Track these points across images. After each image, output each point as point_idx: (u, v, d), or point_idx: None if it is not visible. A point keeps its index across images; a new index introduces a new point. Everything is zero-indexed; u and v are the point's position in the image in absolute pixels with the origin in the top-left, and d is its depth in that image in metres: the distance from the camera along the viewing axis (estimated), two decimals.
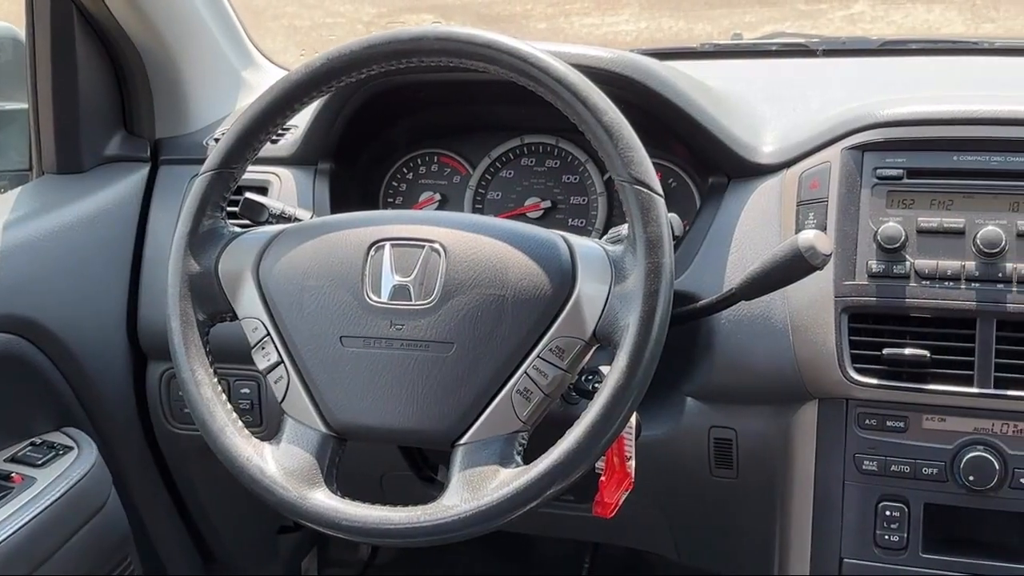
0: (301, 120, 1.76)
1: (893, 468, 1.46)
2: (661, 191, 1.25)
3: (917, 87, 1.79)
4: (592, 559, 2.21)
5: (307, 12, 8.49)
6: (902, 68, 1.95)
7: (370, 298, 1.28)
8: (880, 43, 2.01)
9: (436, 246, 1.29)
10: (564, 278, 1.26)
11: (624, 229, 1.27)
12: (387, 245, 1.30)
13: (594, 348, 1.29)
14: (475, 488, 1.21)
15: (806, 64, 2.03)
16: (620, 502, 1.41)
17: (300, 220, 1.47)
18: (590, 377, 1.44)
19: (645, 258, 1.21)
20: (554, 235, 1.30)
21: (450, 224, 1.31)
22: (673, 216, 1.45)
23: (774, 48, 2.08)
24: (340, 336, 1.29)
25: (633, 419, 1.41)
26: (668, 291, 1.21)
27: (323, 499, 1.24)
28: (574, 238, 1.31)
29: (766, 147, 1.63)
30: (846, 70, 1.97)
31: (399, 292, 1.28)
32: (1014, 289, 1.41)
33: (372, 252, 1.30)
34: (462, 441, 1.25)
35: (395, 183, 1.86)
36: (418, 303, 1.27)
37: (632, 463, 1.42)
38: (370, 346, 1.27)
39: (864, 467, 1.48)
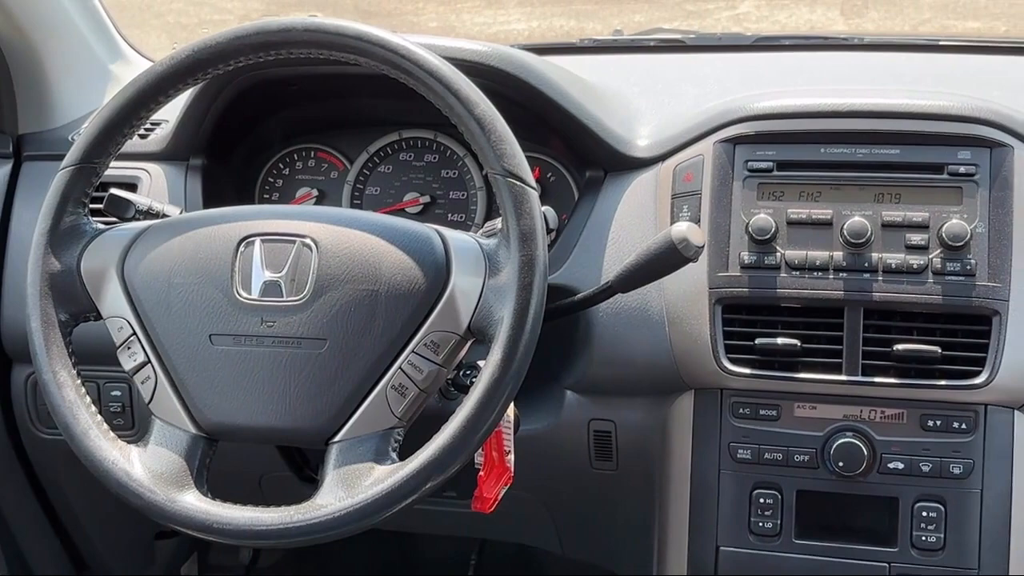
0: (172, 114, 1.72)
1: (766, 456, 1.49)
2: (535, 184, 1.25)
3: (789, 82, 1.82)
4: (479, 555, 2.20)
5: (194, 9, 8.33)
6: (775, 63, 1.99)
7: (240, 295, 1.26)
8: (754, 39, 2.05)
9: (308, 241, 1.27)
10: (438, 272, 1.25)
11: (499, 223, 1.27)
12: (257, 240, 1.28)
13: (470, 342, 1.29)
14: (349, 486, 1.20)
15: (683, 59, 2.06)
16: (499, 497, 1.41)
17: (168, 216, 1.43)
18: (468, 372, 1.44)
19: (518, 251, 1.21)
20: (428, 229, 1.30)
21: (322, 219, 1.29)
22: (548, 209, 1.45)
23: (652, 44, 2.10)
24: (209, 334, 1.26)
25: (512, 413, 1.41)
26: (542, 284, 1.21)
27: (192, 502, 1.22)
28: (448, 232, 1.30)
29: (641, 141, 1.64)
30: (721, 65, 2.00)
31: (270, 288, 1.26)
32: (880, 278, 1.45)
33: (242, 248, 1.28)
34: (336, 439, 1.23)
35: (271, 179, 1.82)
36: (290, 299, 1.25)
37: (511, 457, 1.42)
38: (240, 344, 1.25)
39: (738, 456, 1.50)
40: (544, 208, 1.43)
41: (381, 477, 1.19)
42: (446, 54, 1.34)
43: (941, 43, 2.02)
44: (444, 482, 1.20)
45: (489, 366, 1.19)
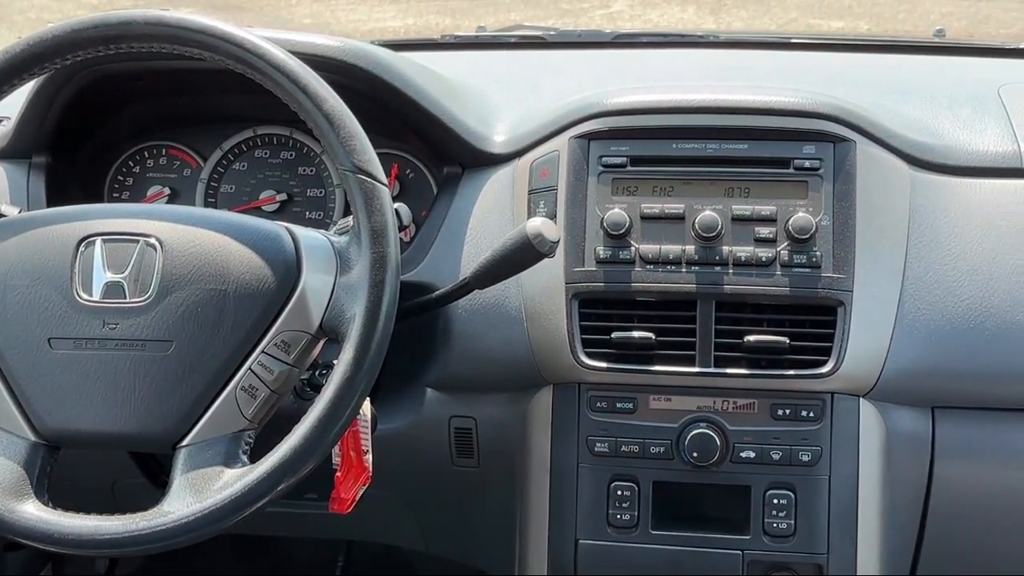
0: (12, 111, 1.65)
1: (623, 448, 1.50)
2: (385, 180, 1.25)
3: (646, 78, 1.85)
4: (346, 557, 2.18)
5: (57, 4, 8.08)
6: (634, 60, 2.01)
7: (80, 297, 1.22)
8: (613, 36, 2.07)
9: (152, 240, 1.24)
10: (289, 271, 1.23)
11: (352, 220, 1.26)
12: (98, 240, 1.24)
13: (322, 341, 1.27)
14: (198, 491, 1.18)
15: (543, 56, 2.07)
16: (357, 497, 1.40)
17: (6, 217, 1.38)
18: (323, 372, 1.43)
19: (370, 248, 1.20)
20: (278, 227, 1.28)
21: (167, 217, 1.27)
22: (401, 205, 1.45)
23: (513, 40, 2.11)
24: (48, 338, 1.22)
25: (368, 412, 1.40)
26: (394, 281, 1.21)
27: (32, 511, 1.18)
28: (299, 229, 1.28)
29: (498, 137, 1.64)
30: (581, 62, 2.01)
31: (112, 290, 1.23)
32: (730, 271, 1.47)
33: (82, 248, 1.24)
34: (184, 443, 1.21)
35: (120, 177, 1.77)
36: (133, 301, 1.22)
37: (369, 457, 1.41)
38: (81, 347, 1.22)
39: (596, 449, 1.51)
40: (397, 204, 1.43)
41: (230, 481, 1.17)
42: (295, 49, 1.32)
43: (793, 41, 2.08)
44: (297, 484, 1.18)
45: (341, 365, 1.18)
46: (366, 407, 1.39)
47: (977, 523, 1.56)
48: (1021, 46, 2.00)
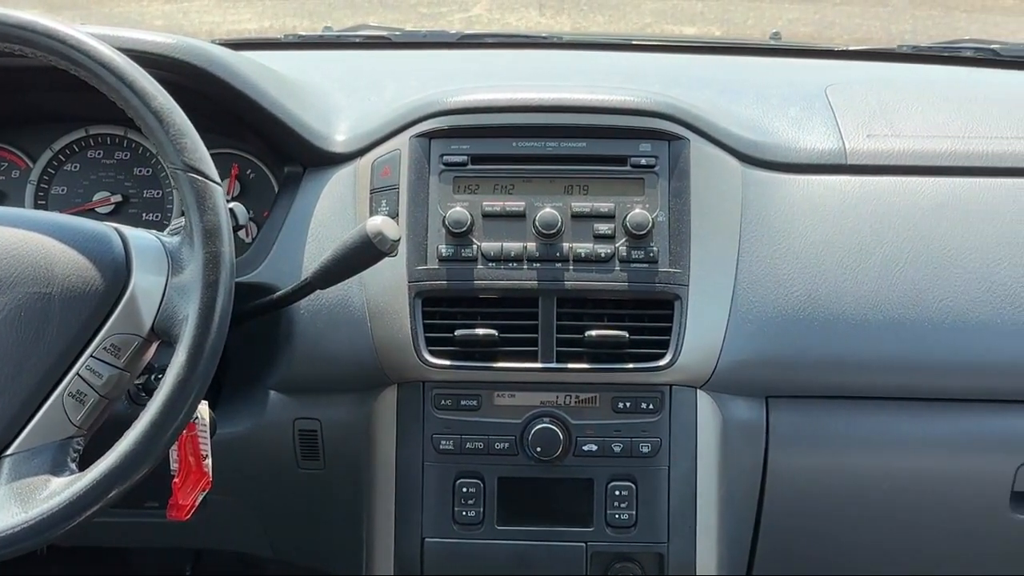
0: None
1: (468, 446, 1.51)
2: (218, 179, 1.23)
3: (489, 78, 1.86)
4: (194, 567, 2.13)
5: None
6: (478, 60, 2.02)
7: None
8: (458, 36, 2.08)
9: None
10: (118, 272, 1.20)
11: (184, 220, 1.24)
12: None
13: (155, 344, 1.24)
14: (24, 501, 1.14)
15: (387, 55, 2.07)
16: (197, 503, 1.36)
17: None
18: (159, 376, 1.39)
19: (202, 248, 1.18)
20: (106, 227, 1.24)
21: None
22: (237, 205, 1.43)
23: (358, 40, 2.10)
24: None
25: (207, 415, 1.37)
26: (228, 281, 1.19)
27: None
28: (129, 230, 1.25)
29: (339, 136, 1.63)
30: (425, 62, 2.02)
31: None
32: (571, 267, 1.49)
33: None
34: (8, 452, 1.16)
35: None
36: None
37: (209, 462, 1.38)
38: None
39: (441, 447, 1.51)
40: (233, 204, 1.41)
41: (57, 489, 1.13)
42: (124, 46, 1.29)
43: (635, 42, 2.12)
44: (132, 491, 1.15)
45: (174, 367, 1.16)
46: (204, 411, 1.37)
47: (811, 509, 1.62)
48: (849, 48, 2.07)
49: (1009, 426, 1.56)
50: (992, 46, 2.01)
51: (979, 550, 1.67)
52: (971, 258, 1.51)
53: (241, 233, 1.63)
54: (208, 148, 1.24)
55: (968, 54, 2.02)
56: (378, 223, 1.34)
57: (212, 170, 1.22)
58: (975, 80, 1.97)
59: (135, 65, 1.22)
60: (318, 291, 1.45)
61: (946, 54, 2.04)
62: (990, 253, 1.52)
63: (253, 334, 1.56)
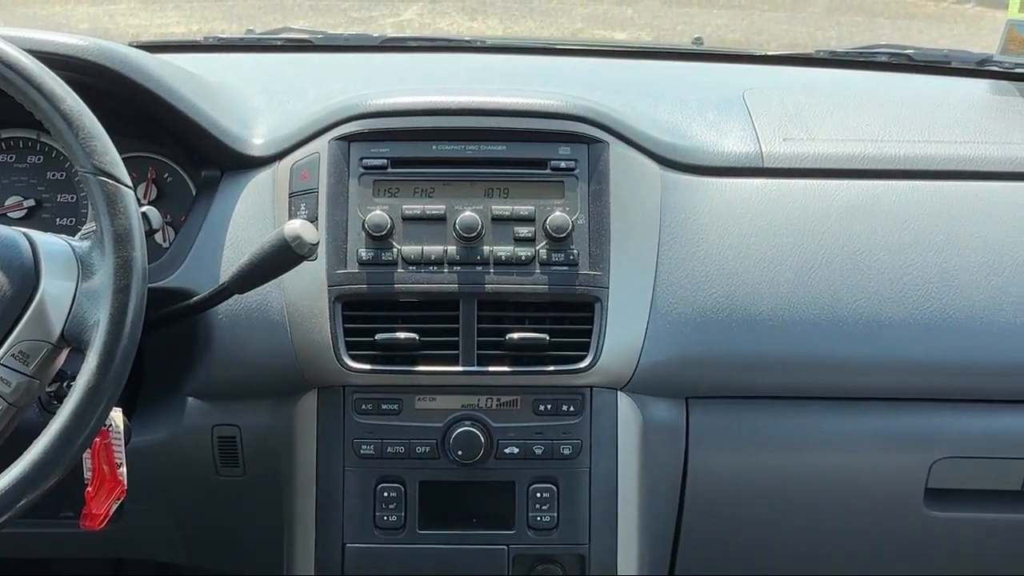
0: None
1: (389, 450, 1.50)
2: (129, 182, 1.22)
3: (410, 81, 1.86)
4: None
5: None
6: (401, 64, 2.02)
7: None
8: (381, 40, 2.07)
9: None
10: (25, 278, 1.18)
11: (94, 224, 1.22)
12: None
13: (66, 351, 1.22)
14: None
15: (309, 59, 2.05)
16: (111, 512, 1.35)
17: None
18: (71, 383, 1.36)
19: (113, 253, 1.17)
20: (13, 232, 1.23)
21: None
22: (150, 209, 1.42)
23: (279, 43, 2.08)
24: None
25: (121, 423, 1.36)
26: (140, 286, 1.18)
27: None
28: (38, 235, 1.23)
29: (258, 139, 1.62)
30: (347, 65, 2.01)
31: None
32: (491, 270, 1.49)
33: None
34: None
35: None
36: None
37: (123, 470, 1.36)
38: None
39: (362, 451, 1.50)
40: (146, 208, 1.39)
41: None
42: (34, 47, 1.28)
43: (558, 47, 2.13)
44: (44, 501, 1.13)
45: (84, 374, 1.15)
46: (118, 418, 1.35)
47: (732, 508, 1.64)
48: (768, 53, 2.11)
49: (923, 424, 1.59)
50: (907, 51, 2.05)
51: (896, 547, 1.69)
52: (884, 258, 1.54)
53: (158, 238, 1.61)
54: (123, 152, 1.22)
55: (883, 59, 2.06)
56: (296, 227, 1.33)
57: (123, 173, 1.20)
58: (890, 85, 2.02)
59: (43, 67, 1.21)
60: (236, 296, 1.43)
61: (862, 59, 2.08)
62: (902, 254, 1.55)
63: (170, 340, 1.54)
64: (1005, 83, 1.96)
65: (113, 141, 1.23)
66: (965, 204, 1.60)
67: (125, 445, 1.36)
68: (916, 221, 1.58)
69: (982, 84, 1.99)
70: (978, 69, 2.02)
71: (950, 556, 1.69)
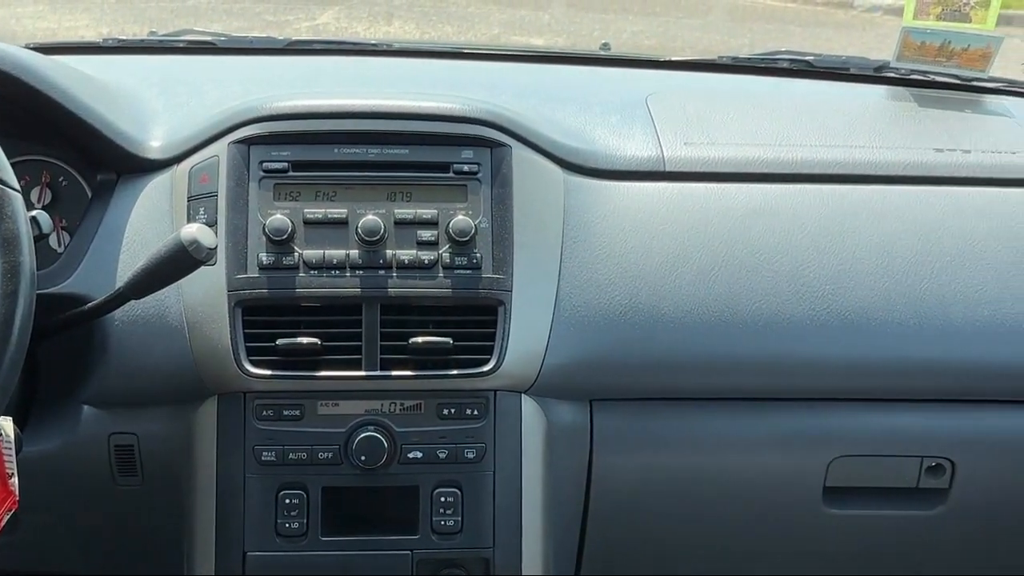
0: None
1: (291, 456, 1.49)
2: (16, 185, 1.19)
3: (314, 84, 1.84)
4: None
5: None
6: (305, 67, 2.00)
7: None
8: (287, 43, 2.05)
9: None
10: None
11: None
12: None
13: None
14: None
15: (212, 61, 2.03)
16: (3, 524, 1.31)
17: None
18: None
19: (1, 258, 1.13)
20: None
21: None
22: (41, 213, 1.39)
23: (181, 45, 2.05)
24: None
25: (11, 432, 1.32)
26: (29, 292, 1.15)
27: None
28: None
29: (155, 142, 1.59)
30: (251, 68, 1.98)
31: None
32: (394, 274, 1.48)
33: None
34: None
35: None
36: None
37: (15, 480, 1.32)
38: None
39: (263, 458, 1.48)
40: (36, 212, 1.36)
41: None
42: None
43: (465, 51, 2.13)
44: None
45: None
46: (9, 427, 1.31)
47: (636, 508, 1.65)
48: (672, 59, 2.13)
49: (821, 424, 1.62)
50: (807, 57, 2.09)
51: (797, 546, 1.72)
52: (782, 261, 1.57)
53: (52, 242, 1.57)
54: (16, 155, 1.20)
55: (784, 65, 2.09)
56: (193, 231, 1.31)
57: (10, 176, 1.18)
58: (790, 90, 2.05)
59: None
60: (133, 302, 1.41)
61: (764, 65, 2.11)
62: (799, 256, 1.57)
63: (65, 347, 1.51)
64: (900, 89, 2.01)
65: (5, 144, 1.20)
66: (859, 207, 1.63)
67: (16, 455, 1.33)
68: (812, 223, 1.61)
69: (879, 90, 2.03)
70: (875, 75, 2.06)
71: (848, 554, 1.72)
